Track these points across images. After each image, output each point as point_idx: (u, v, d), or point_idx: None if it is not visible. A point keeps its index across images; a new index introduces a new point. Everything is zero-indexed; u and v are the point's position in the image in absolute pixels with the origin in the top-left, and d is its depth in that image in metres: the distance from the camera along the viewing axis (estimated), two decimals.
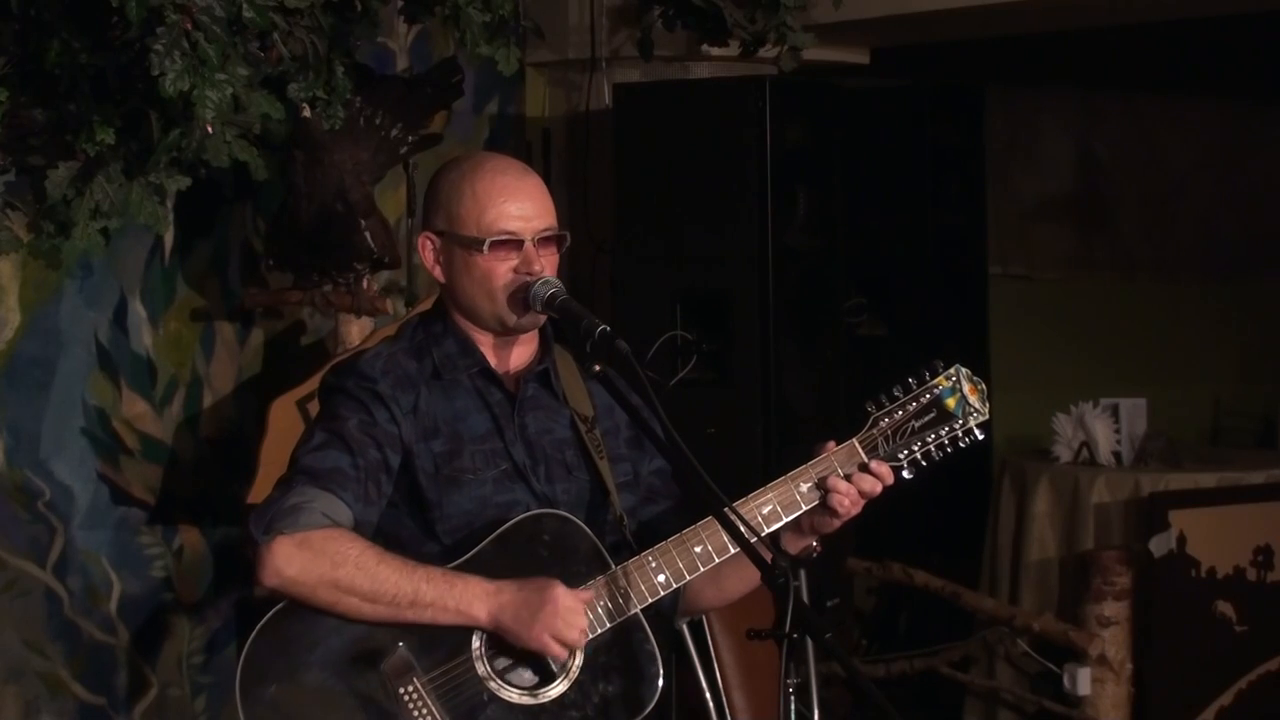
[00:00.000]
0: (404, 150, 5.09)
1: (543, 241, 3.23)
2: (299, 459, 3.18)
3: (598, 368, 3.15)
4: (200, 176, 4.43)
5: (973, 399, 3.26)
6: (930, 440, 3.23)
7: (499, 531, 3.16)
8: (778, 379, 5.36)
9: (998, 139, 7.21)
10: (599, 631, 3.14)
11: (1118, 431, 6.16)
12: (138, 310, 5.11)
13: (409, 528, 3.21)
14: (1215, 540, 5.74)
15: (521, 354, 3.31)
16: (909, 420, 3.23)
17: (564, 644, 3.09)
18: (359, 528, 3.14)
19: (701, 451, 3.15)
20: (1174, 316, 7.87)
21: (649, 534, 3.26)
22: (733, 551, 3.13)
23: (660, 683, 3.17)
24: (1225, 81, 7.47)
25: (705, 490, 3.07)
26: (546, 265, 3.23)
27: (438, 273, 3.28)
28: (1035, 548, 6.05)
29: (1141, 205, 7.90)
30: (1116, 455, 6.15)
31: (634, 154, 5.54)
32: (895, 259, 6.36)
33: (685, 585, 3.22)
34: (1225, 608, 5.74)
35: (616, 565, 3.17)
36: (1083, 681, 5.64)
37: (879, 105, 6.38)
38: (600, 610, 3.14)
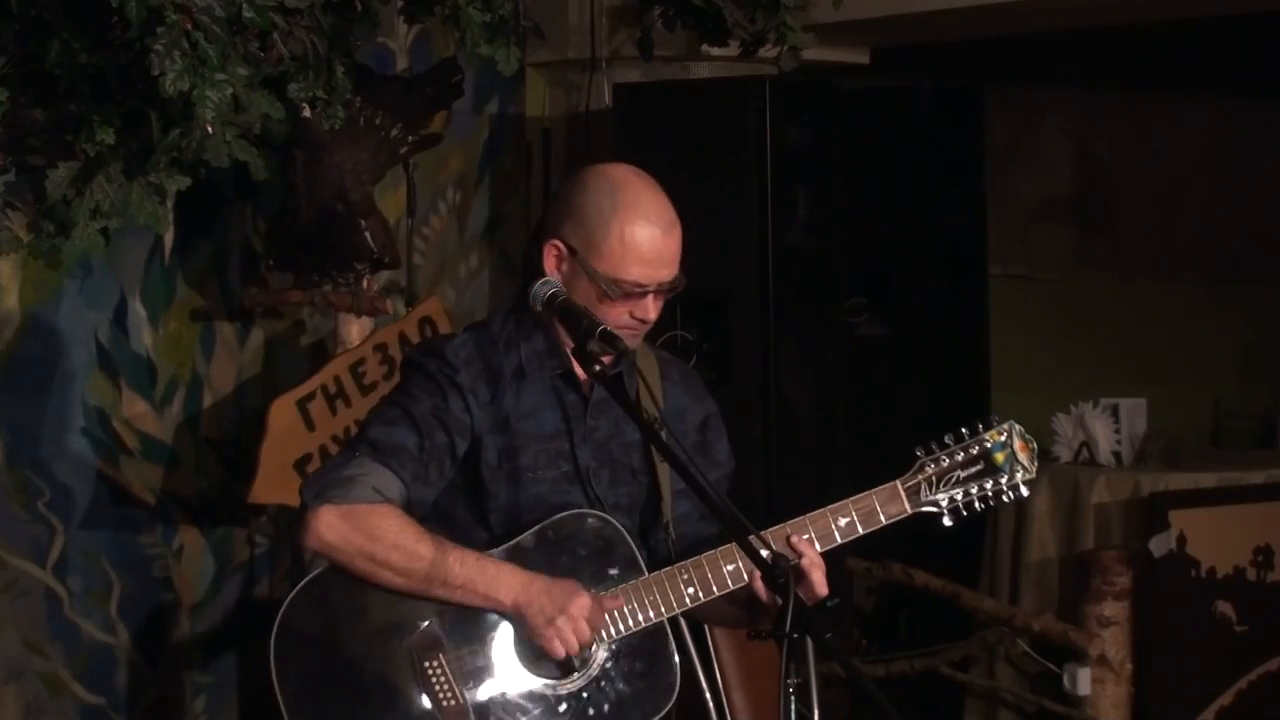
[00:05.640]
0: (404, 150, 5.09)
1: (663, 290, 3.28)
2: (368, 428, 3.27)
3: (598, 367, 3.17)
4: (200, 176, 4.42)
5: (1022, 456, 3.31)
6: (974, 491, 3.29)
7: (540, 525, 3.24)
8: (778, 379, 5.36)
9: (998, 139, 7.20)
10: (624, 633, 3.21)
11: (1118, 431, 6.17)
12: (138, 310, 5.11)
13: (464, 511, 3.28)
14: (1215, 540, 5.74)
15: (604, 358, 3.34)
16: (955, 469, 3.29)
17: (567, 650, 3.16)
18: (411, 505, 3.23)
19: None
20: (1174, 316, 7.86)
21: (702, 546, 3.29)
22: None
23: (675, 691, 3.25)
24: (1225, 81, 7.47)
25: (702, 489, 3.09)
26: (658, 308, 3.28)
27: (556, 277, 3.30)
28: (1035, 548, 6.05)
29: (1141, 205, 7.89)
30: (1116, 455, 6.15)
31: (634, 154, 5.50)
32: (895, 259, 6.35)
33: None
34: (1225, 608, 5.74)
35: (650, 572, 3.24)
36: (1083, 681, 5.64)
37: (879, 105, 6.37)
38: (628, 613, 3.21)
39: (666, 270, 3.25)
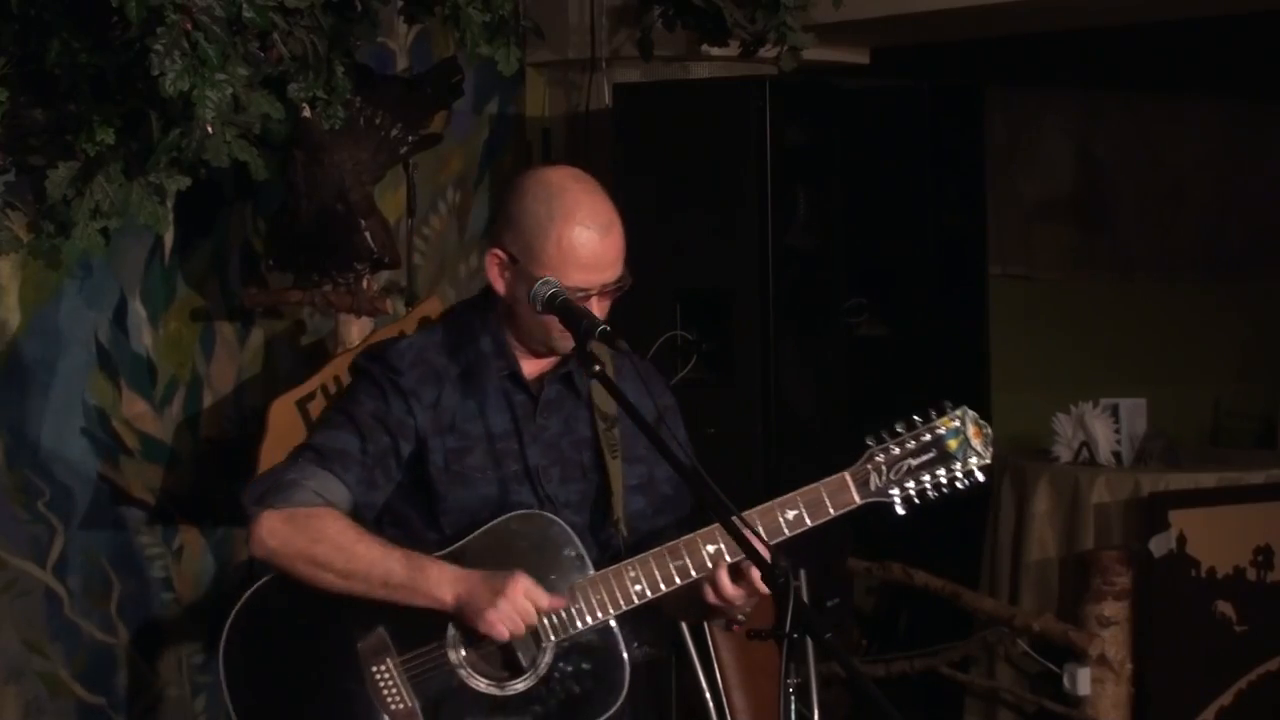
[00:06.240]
0: (404, 150, 5.08)
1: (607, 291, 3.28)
2: (313, 434, 3.31)
3: (598, 367, 3.17)
4: (200, 176, 4.42)
5: (976, 442, 3.26)
6: (926, 480, 3.25)
7: (487, 526, 3.24)
8: (778, 379, 5.36)
9: (998, 139, 7.21)
10: (570, 634, 3.21)
11: (1118, 431, 6.16)
12: (138, 310, 5.11)
13: (415, 513, 3.29)
14: (1215, 540, 5.74)
15: (551, 359, 3.34)
16: (906, 458, 3.25)
17: (511, 631, 3.15)
18: (358, 509, 3.24)
19: (701, 452, 3.17)
20: (1174, 316, 7.87)
21: (654, 542, 3.28)
22: (711, 570, 3.17)
23: (625, 689, 3.24)
24: (1225, 81, 7.47)
25: (709, 494, 3.08)
26: (604, 309, 3.27)
27: (499, 286, 3.30)
28: (1035, 548, 6.05)
29: (1141, 205, 7.89)
30: (1116, 455, 6.15)
31: (634, 154, 5.54)
32: (895, 259, 6.35)
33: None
34: (1225, 608, 5.74)
35: (598, 570, 3.23)
36: (1083, 681, 5.64)
37: (879, 105, 6.38)
38: (575, 613, 3.20)
39: (609, 272, 3.24)
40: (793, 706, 2.97)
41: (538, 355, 3.32)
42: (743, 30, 5.29)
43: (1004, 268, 7.32)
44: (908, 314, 6.31)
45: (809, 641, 3.03)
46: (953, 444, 3.24)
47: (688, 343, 5.42)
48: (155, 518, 5.14)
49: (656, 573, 3.20)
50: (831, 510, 3.23)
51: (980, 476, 3.26)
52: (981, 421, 3.27)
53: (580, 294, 3.22)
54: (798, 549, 3.27)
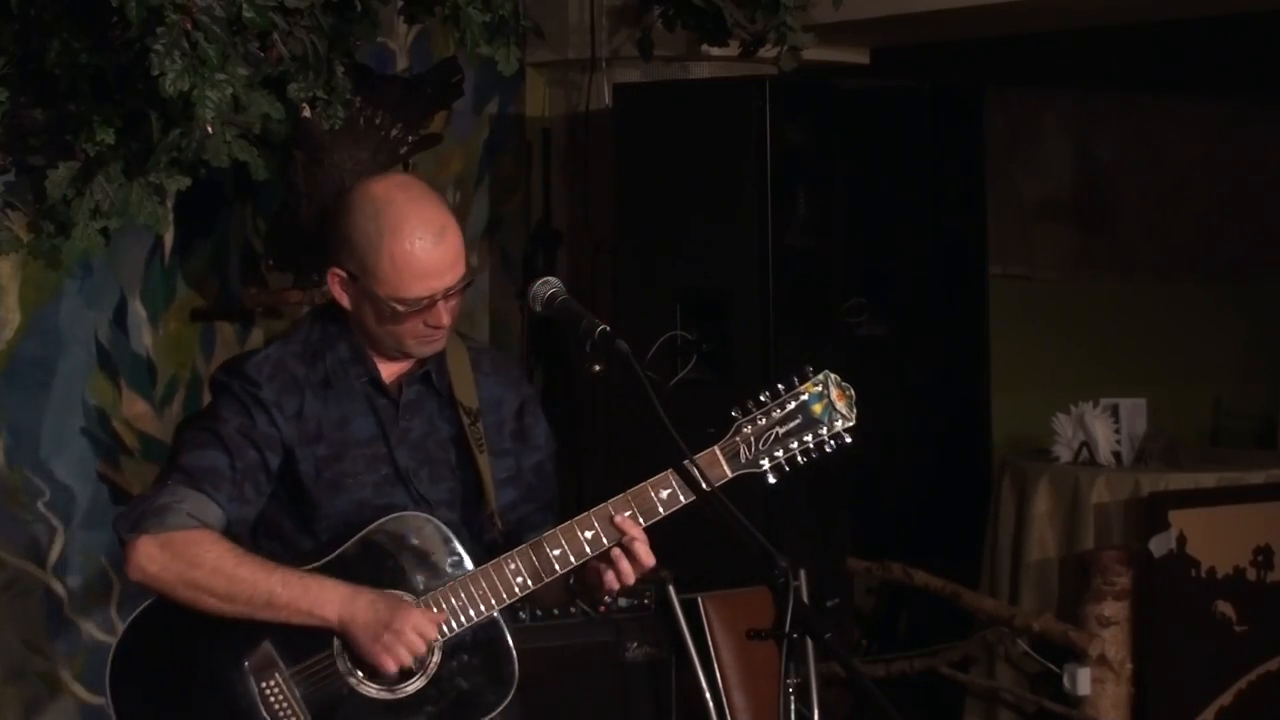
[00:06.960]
0: (404, 150, 5.09)
1: (451, 294, 3.27)
2: (178, 455, 3.27)
3: (597, 368, 3.17)
4: (200, 176, 4.42)
5: (840, 404, 3.30)
6: (795, 446, 3.27)
7: (363, 533, 3.25)
8: (778, 379, 5.35)
9: (998, 139, 7.20)
10: (457, 631, 3.22)
11: (1118, 431, 6.17)
12: (138, 310, 5.11)
13: (289, 521, 3.30)
14: (1215, 540, 5.74)
15: (410, 360, 3.36)
16: (773, 426, 3.27)
17: (398, 664, 3.18)
18: (232, 526, 3.24)
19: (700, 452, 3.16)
20: (1174, 316, 7.87)
21: (527, 531, 3.32)
22: (590, 555, 3.20)
23: (515, 681, 3.26)
24: (1225, 81, 7.47)
25: (707, 495, 3.08)
26: (452, 312, 3.28)
27: (344, 302, 3.30)
28: (1035, 548, 6.05)
29: (1141, 205, 7.90)
30: (1116, 455, 6.15)
31: (634, 154, 5.54)
32: (895, 259, 6.35)
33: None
34: (1225, 608, 5.74)
35: (478, 566, 3.24)
36: (1083, 681, 5.64)
37: (879, 105, 6.37)
38: (459, 609, 3.21)
39: (449, 276, 3.24)
40: (793, 706, 2.97)
41: (393, 359, 3.33)
42: (743, 30, 5.29)
43: (1004, 268, 7.32)
44: (908, 314, 6.31)
45: (809, 641, 3.03)
46: (817, 408, 3.28)
47: (688, 343, 5.41)
48: None
49: (536, 563, 3.22)
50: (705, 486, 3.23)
51: (847, 439, 3.30)
52: (844, 384, 3.32)
53: (425, 302, 3.22)
54: (798, 549, 3.27)
